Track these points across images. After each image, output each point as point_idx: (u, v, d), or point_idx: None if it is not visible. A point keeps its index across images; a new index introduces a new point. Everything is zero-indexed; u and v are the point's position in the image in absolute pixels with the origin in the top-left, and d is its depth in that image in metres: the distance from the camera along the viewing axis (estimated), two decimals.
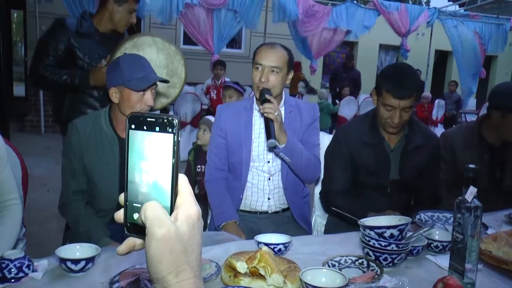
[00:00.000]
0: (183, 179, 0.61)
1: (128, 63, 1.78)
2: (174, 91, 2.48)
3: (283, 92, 2.08)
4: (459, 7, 10.24)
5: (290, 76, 2.02)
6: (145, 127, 0.58)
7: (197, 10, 7.51)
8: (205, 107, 6.83)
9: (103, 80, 2.16)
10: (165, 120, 0.57)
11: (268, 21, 8.36)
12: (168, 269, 0.56)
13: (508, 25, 9.77)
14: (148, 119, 0.57)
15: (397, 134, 2.07)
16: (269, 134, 1.79)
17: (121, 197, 0.61)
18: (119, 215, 0.62)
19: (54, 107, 2.62)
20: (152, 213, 0.57)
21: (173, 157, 0.57)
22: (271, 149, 1.92)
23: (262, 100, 1.85)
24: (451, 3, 10.94)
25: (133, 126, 0.58)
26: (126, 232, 0.61)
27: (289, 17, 8.07)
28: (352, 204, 2.02)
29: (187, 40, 9.91)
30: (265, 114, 1.81)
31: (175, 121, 0.57)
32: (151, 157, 0.58)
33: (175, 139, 0.57)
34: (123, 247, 0.63)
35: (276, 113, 1.80)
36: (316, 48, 8.77)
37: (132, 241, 0.63)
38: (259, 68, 1.95)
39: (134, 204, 0.60)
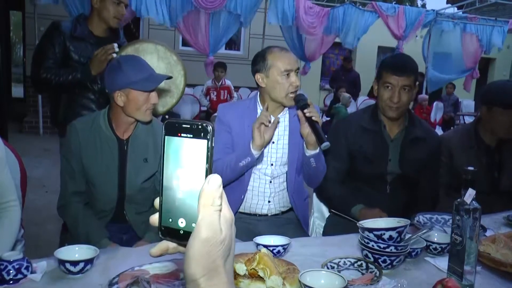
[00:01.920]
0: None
1: (130, 65, 1.77)
2: (171, 100, 2.48)
3: None
4: (458, 9, 10.27)
5: None
6: (180, 134, 0.60)
7: (192, 12, 7.50)
8: (204, 108, 6.84)
9: (103, 66, 2.18)
10: (199, 126, 0.59)
11: (266, 23, 8.36)
12: (203, 272, 0.56)
13: (506, 27, 9.81)
14: (183, 126, 0.59)
15: (397, 123, 2.12)
16: (321, 137, 1.79)
17: (156, 202, 0.62)
18: (154, 218, 0.63)
19: (50, 109, 2.62)
20: (207, 213, 0.57)
21: (207, 162, 0.58)
22: (325, 151, 1.91)
23: (303, 105, 1.84)
24: (449, 5, 10.97)
25: (168, 133, 0.60)
26: (160, 235, 0.62)
27: (286, 21, 8.08)
28: (343, 193, 2.11)
29: (186, 42, 9.91)
30: (313, 118, 1.80)
31: (209, 128, 0.58)
32: (186, 163, 0.60)
33: (209, 145, 0.58)
34: (156, 249, 0.64)
35: (319, 117, 1.83)
36: (311, 51, 8.76)
37: (165, 244, 0.63)
38: (290, 74, 1.93)
39: (170, 209, 0.61)
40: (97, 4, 2.43)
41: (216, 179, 0.57)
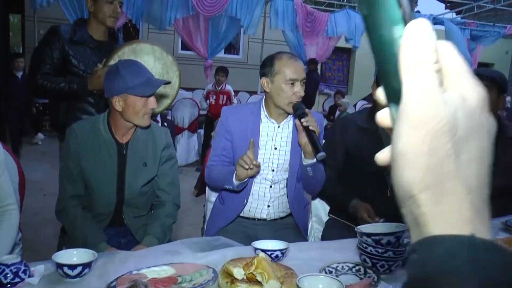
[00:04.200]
0: (446, 45, 0.37)
1: (128, 69, 1.76)
2: (166, 101, 2.52)
3: None
4: (456, 14, 10.32)
5: None
6: None
7: (192, 17, 7.53)
8: (203, 112, 6.85)
9: (100, 84, 2.17)
10: None
11: (266, 27, 8.40)
12: (424, 181, 0.33)
13: (504, 33, 9.86)
14: None
15: None
16: (317, 147, 1.78)
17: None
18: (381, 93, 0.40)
19: (50, 114, 2.62)
20: (415, 78, 0.34)
21: (399, 5, 0.36)
22: (321, 161, 1.91)
23: (301, 114, 1.83)
24: (448, 10, 11.02)
25: None
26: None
27: (287, 25, 8.12)
28: (341, 191, 2.15)
29: (185, 46, 9.94)
30: (310, 127, 1.79)
31: None
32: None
33: None
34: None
35: (317, 125, 1.82)
36: (313, 56, 8.80)
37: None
38: (295, 83, 1.92)
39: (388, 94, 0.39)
40: (91, 8, 2.43)
41: (422, 24, 0.35)
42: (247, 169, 1.79)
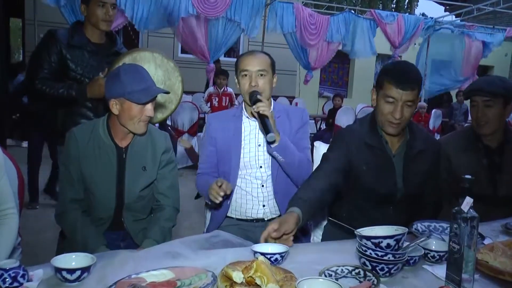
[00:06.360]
0: None
1: (129, 74, 1.76)
2: (170, 106, 2.53)
3: (271, 99, 2.10)
4: (456, 17, 10.34)
5: (275, 79, 2.04)
6: None
7: (191, 20, 7.54)
8: (202, 115, 6.86)
9: (100, 92, 2.17)
10: None
11: (266, 29, 8.40)
12: None
13: (503, 35, 9.87)
14: None
15: (398, 137, 1.96)
16: (267, 129, 1.80)
17: None
18: None
19: (49, 118, 2.63)
20: None
21: None
22: (271, 143, 1.89)
23: (254, 101, 1.87)
24: (447, 13, 11.04)
25: None
26: None
27: (286, 28, 8.13)
28: (322, 185, 1.97)
29: (185, 49, 9.94)
30: (260, 111, 1.82)
31: None
32: None
33: None
34: None
35: (270, 110, 1.83)
36: (315, 59, 8.82)
37: None
38: (247, 75, 1.98)
39: None
40: (85, 12, 2.44)
41: None
42: (216, 201, 1.84)
